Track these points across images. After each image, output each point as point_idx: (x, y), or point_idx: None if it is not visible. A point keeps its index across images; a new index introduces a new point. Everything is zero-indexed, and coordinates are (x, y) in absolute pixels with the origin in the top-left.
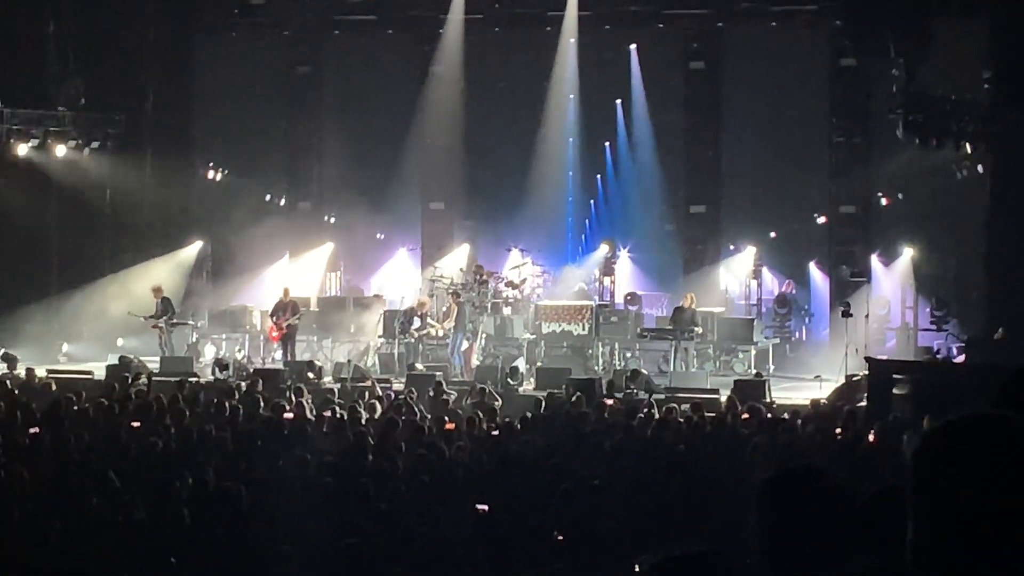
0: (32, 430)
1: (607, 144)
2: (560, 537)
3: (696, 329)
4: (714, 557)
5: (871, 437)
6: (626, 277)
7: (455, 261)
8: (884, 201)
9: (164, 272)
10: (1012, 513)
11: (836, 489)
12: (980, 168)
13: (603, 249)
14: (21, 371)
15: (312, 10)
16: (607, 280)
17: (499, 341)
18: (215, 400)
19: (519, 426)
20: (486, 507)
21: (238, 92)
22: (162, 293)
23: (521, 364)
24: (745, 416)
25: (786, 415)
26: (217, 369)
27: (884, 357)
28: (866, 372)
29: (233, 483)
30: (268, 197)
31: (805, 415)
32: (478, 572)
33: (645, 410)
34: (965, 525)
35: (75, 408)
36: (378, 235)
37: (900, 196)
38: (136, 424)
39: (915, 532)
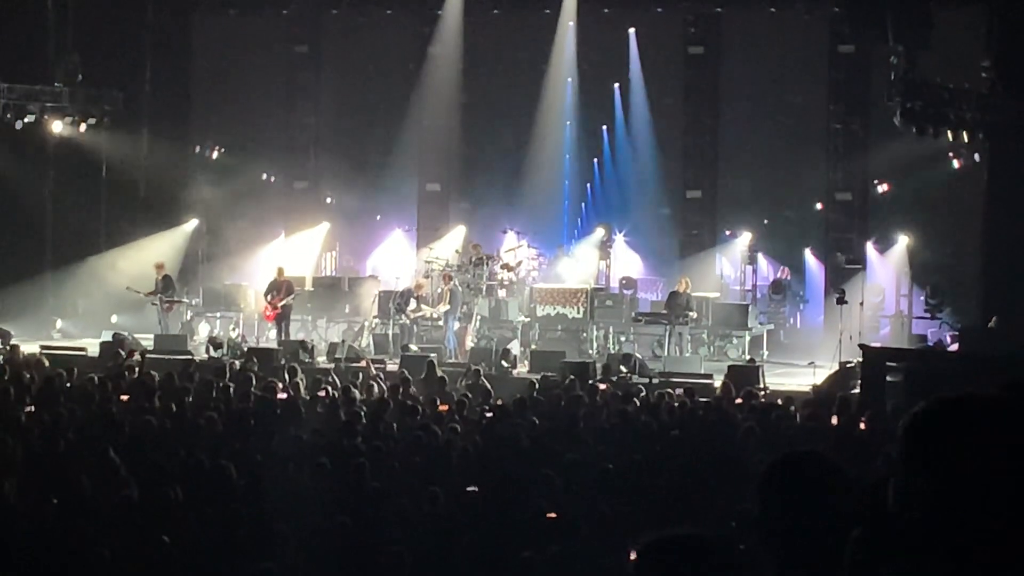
0: (27, 408)
1: (604, 128)
2: (553, 515)
3: (691, 314)
4: (708, 540)
5: (862, 424)
6: (621, 261)
7: (451, 243)
8: (884, 187)
9: (159, 250)
10: (998, 489)
11: (837, 474)
12: (977, 157)
13: (598, 233)
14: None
15: None
16: (602, 264)
17: (494, 323)
18: (209, 379)
19: (512, 408)
20: (475, 488)
21: (236, 70)
22: (164, 270)
23: (515, 346)
24: (738, 401)
25: (779, 401)
26: (211, 348)
27: (878, 344)
28: (860, 359)
29: (226, 462)
30: (264, 176)
31: (799, 401)
32: (471, 553)
33: (640, 395)
34: (952, 501)
35: (67, 385)
36: (375, 216)
37: (897, 184)
38: (126, 398)
39: (901, 506)
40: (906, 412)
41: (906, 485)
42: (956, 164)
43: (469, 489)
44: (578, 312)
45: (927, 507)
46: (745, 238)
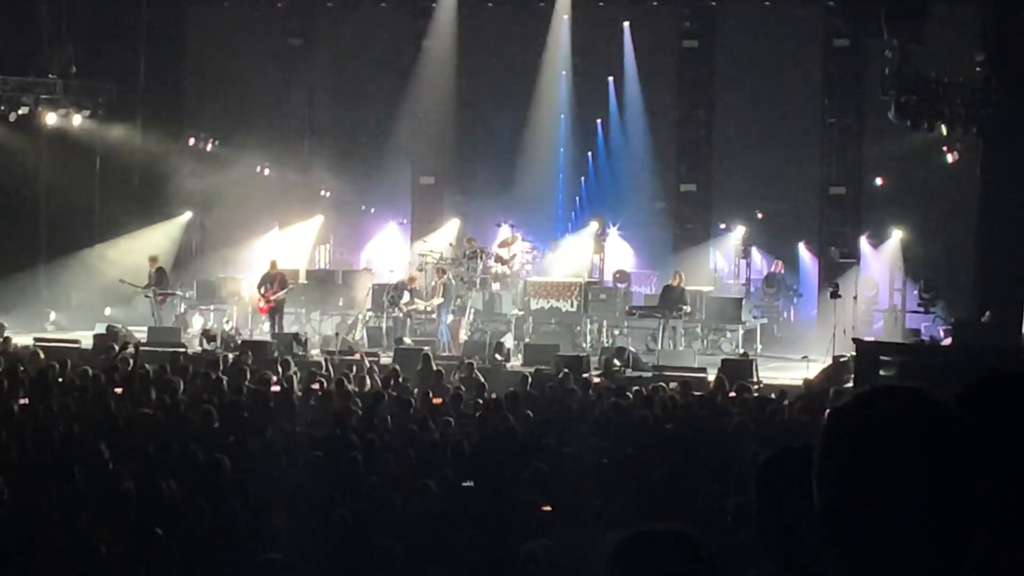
0: (22, 401)
1: (599, 121)
2: (548, 508)
3: (684, 308)
4: (681, 535)
5: None
6: (615, 255)
7: (445, 236)
8: (879, 181)
9: (153, 242)
10: (913, 486)
11: None
12: (971, 151)
13: (592, 226)
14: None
15: None
16: (596, 257)
17: (487, 316)
18: (202, 372)
19: (506, 402)
20: (471, 483)
21: (230, 63)
22: (158, 263)
23: (509, 340)
24: (732, 395)
25: (773, 395)
26: (205, 340)
27: (871, 339)
28: (853, 353)
29: (220, 455)
30: (258, 168)
31: (792, 395)
32: (465, 546)
33: (634, 388)
34: (867, 497)
35: (59, 380)
36: (369, 208)
37: (891, 178)
38: (120, 391)
39: (819, 502)
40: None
41: (821, 482)
42: (950, 159)
43: (465, 484)
44: (572, 306)
45: (843, 506)
46: (739, 232)
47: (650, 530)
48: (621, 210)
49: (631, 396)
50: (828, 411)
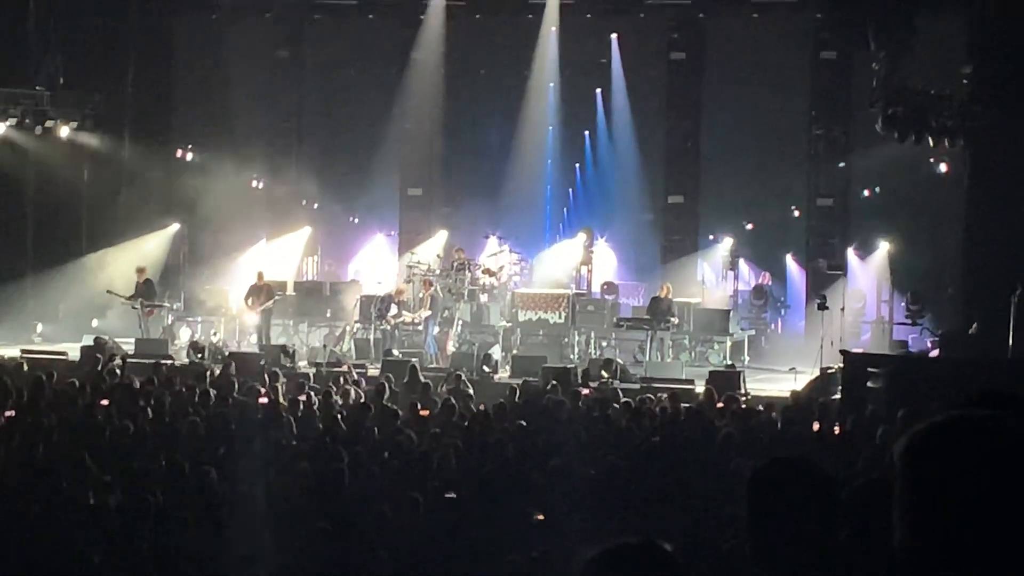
0: (7, 413)
1: (586, 133)
2: (540, 517)
3: (672, 319)
4: (653, 549)
5: (836, 429)
6: (603, 266)
7: (432, 247)
8: (865, 193)
9: (141, 254)
10: (997, 515)
11: (825, 480)
12: (958, 163)
13: (580, 238)
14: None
15: None
16: (584, 269)
17: (475, 328)
18: (189, 383)
19: (493, 413)
20: (454, 495)
21: (218, 74)
22: (145, 274)
23: (496, 351)
24: (719, 406)
25: (760, 407)
26: (192, 352)
27: (859, 350)
28: (841, 365)
29: (207, 466)
30: (246, 180)
31: (780, 406)
32: (452, 558)
33: (622, 400)
34: (952, 526)
35: (46, 392)
36: (353, 219)
37: (878, 190)
38: (107, 403)
39: (902, 532)
40: (886, 424)
41: (904, 511)
42: (937, 170)
43: (448, 496)
44: (560, 317)
45: (927, 536)
46: (727, 243)
47: (621, 544)
48: (609, 221)
49: (619, 408)
50: (907, 441)
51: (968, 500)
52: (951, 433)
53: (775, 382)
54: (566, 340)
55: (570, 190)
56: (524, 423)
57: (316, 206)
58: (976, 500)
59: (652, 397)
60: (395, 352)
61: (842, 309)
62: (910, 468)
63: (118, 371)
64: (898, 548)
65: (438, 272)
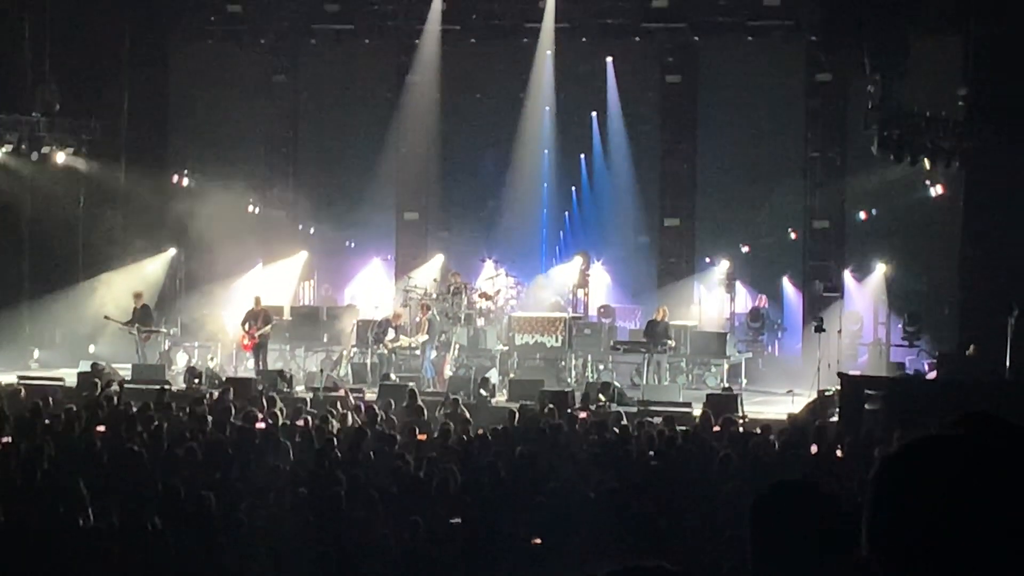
0: (4, 439)
1: (582, 156)
2: (538, 541)
3: (669, 342)
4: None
5: (839, 452)
6: (600, 289)
7: (429, 272)
8: (861, 215)
9: (137, 279)
10: (970, 538)
11: (829, 502)
12: (953, 185)
13: (576, 261)
14: None
15: (289, 19)
16: (581, 292)
17: (472, 352)
18: (187, 408)
19: (491, 437)
20: (458, 520)
21: (214, 100)
22: (142, 300)
23: (494, 375)
24: (716, 429)
25: (758, 429)
26: (189, 377)
27: (856, 372)
28: (838, 387)
29: (205, 491)
30: (242, 205)
31: (777, 429)
32: None
33: (620, 423)
34: (922, 548)
35: (43, 418)
36: (350, 243)
37: (874, 212)
38: (103, 429)
39: (871, 553)
40: (882, 446)
41: (873, 533)
42: (933, 192)
43: (453, 521)
44: (556, 340)
45: (896, 558)
46: (723, 266)
47: (632, 568)
48: (605, 245)
49: (616, 431)
50: (880, 461)
51: (934, 520)
52: (919, 454)
53: (772, 405)
54: (563, 363)
55: (566, 213)
56: (522, 447)
57: (312, 230)
58: (943, 521)
59: (649, 420)
60: (392, 376)
61: (839, 331)
62: (881, 490)
63: (115, 397)
64: (865, 566)
65: (435, 296)
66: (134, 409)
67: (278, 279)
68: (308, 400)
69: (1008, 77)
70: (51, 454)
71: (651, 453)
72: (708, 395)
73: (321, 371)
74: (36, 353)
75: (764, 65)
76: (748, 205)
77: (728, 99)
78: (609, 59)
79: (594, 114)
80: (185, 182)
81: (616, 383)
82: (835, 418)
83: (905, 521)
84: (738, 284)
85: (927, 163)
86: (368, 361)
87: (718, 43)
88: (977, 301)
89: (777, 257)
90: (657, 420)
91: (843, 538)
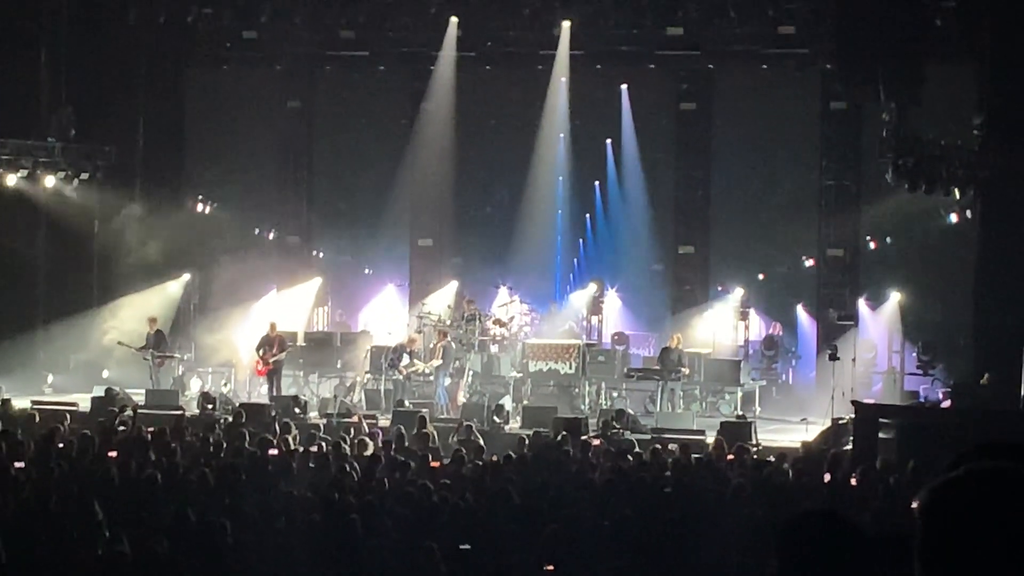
0: (17, 464)
1: (597, 183)
2: (551, 568)
3: (683, 370)
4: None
5: (854, 480)
6: (614, 317)
7: (443, 298)
8: (872, 245)
9: (151, 304)
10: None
11: (853, 532)
12: (969, 213)
13: (591, 288)
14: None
15: (304, 45)
16: (595, 319)
17: (486, 379)
18: (200, 434)
19: (504, 464)
20: (468, 547)
21: (229, 125)
22: (156, 325)
23: (507, 402)
24: (730, 457)
25: (772, 457)
26: (203, 403)
27: (870, 401)
28: (852, 416)
29: (217, 517)
30: (257, 231)
31: (791, 457)
32: None
33: (634, 450)
34: None
35: (57, 443)
36: (367, 270)
37: (888, 240)
38: (116, 455)
39: None
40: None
41: (926, 568)
42: (950, 220)
43: (462, 547)
44: (570, 368)
45: None
46: (737, 294)
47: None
48: (619, 272)
49: (630, 459)
50: (929, 492)
51: (991, 554)
52: (970, 488)
53: (786, 433)
54: (577, 391)
55: (580, 240)
56: (535, 474)
57: (326, 256)
58: (999, 554)
59: (663, 448)
60: (407, 403)
61: (853, 360)
62: (932, 524)
63: (129, 422)
64: None
65: (449, 323)
66: (148, 435)
67: (292, 305)
68: (322, 426)
69: (1023, 105)
70: (64, 479)
71: (665, 481)
72: (722, 423)
73: (335, 397)
74: (50, 378)
75: (779, 93)
76: (762, 233)
77: (743, 127)
78: (624, 86)
79: (609, 141)
80: (200, 207)
81: (630, 410)
82: (849, 446)
83: (964, 552)
84: (752, 312)
85: (942, 191)
86: (382, 387)
87: (733, 71)
88: (992, 330)
89: (792, 285)
90: (672, 447)
91: (868, 568)
